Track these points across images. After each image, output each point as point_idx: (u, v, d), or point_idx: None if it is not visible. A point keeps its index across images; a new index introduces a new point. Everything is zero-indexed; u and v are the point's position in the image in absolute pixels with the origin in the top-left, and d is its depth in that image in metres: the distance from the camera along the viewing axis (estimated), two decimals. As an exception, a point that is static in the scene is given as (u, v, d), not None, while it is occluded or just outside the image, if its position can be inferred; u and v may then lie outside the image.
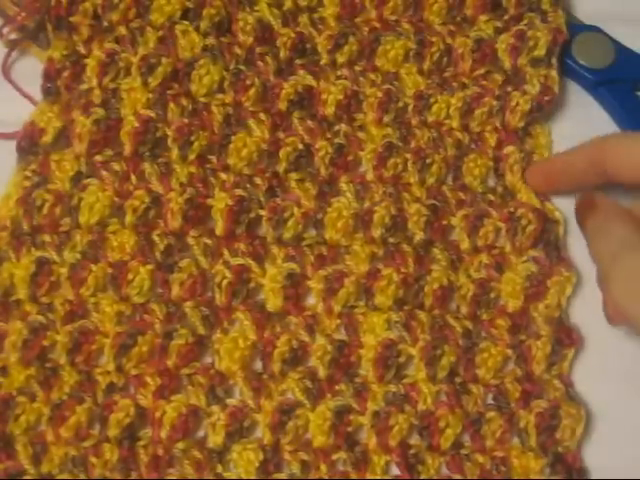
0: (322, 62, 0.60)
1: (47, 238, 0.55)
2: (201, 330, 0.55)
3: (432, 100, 0.60)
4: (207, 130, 0.57)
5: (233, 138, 0.57)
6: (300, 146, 0.58)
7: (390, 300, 0.55)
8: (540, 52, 0.60)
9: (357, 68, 0.60)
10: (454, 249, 0.57)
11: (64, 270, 0.55)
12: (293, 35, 0.59)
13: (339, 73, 0.60)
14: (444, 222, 0.58)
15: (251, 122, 0.58)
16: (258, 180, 0.57)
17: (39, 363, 0.53)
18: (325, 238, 0.57)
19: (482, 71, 0.60)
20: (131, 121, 0.56)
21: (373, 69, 0.60)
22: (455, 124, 0.60)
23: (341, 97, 0.59)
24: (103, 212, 0.55)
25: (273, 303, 0.55)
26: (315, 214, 0.57)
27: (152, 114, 0.57)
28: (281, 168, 0.57)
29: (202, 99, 0.58)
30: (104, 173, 0.56)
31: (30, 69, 0.61)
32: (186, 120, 0.57)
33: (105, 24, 0.58)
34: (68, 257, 0.55)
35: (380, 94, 0.59)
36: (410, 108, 0.59)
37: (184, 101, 0.57)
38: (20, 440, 0.53)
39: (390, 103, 0.59)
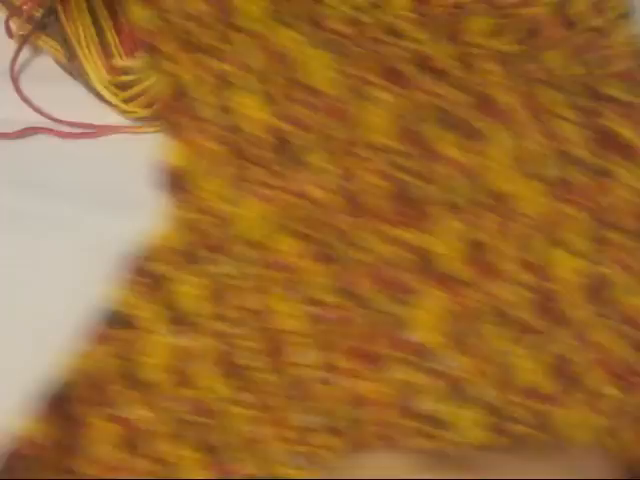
0: None
1: (214, 255, 0.54)
2: (397, 310, 0.53)
3: None
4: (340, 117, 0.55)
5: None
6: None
7: None
8: None
9: None
10: None
11: (241, 282, 0.54)
12: None
13: None
14: None
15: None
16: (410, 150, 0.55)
17: (239, 373, 0.53)
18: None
19: None
20: (261, 134, 0.55)
21: None
22: None
23: None
24: (264, 224, 0.54)
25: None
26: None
27: (281, 123, 0.55)
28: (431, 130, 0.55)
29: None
30: (255, 187, 0.55)
31: (30, 69, 0.60)
32: (317, 116, 0.55)
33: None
34: (242, 269, 0.54)
35: None
36: None
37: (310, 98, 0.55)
38: (239, 448, 0.52)
39: None
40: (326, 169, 0.55)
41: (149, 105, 0.57)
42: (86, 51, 0.57)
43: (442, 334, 0.53)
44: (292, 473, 0.51)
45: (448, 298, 0.53)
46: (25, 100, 0.60)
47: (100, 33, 0.57)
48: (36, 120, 0.60)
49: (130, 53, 0.56)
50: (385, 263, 0.54)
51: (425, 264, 0.54)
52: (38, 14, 0.57)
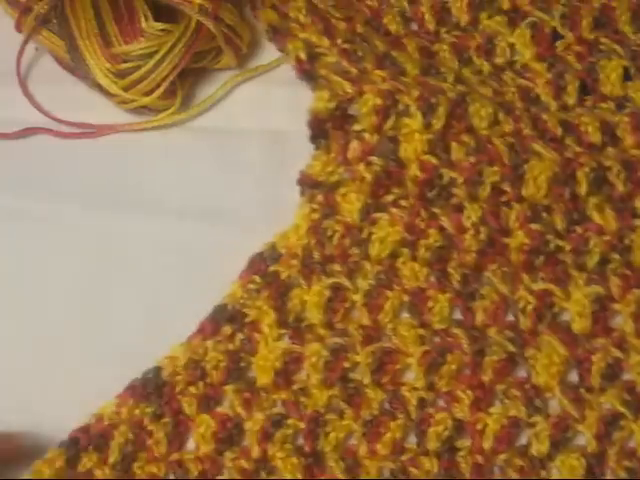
0: None
1: (337, 267, 0.55)
2: (511, 348, 0.54)
3: None
4: (496, 164, 0.55)
5: (525, 167, 0.55)
6: (594, 164, 0.55)
7: None
8: None
9: None
10: None
11: (358, 297, 0.55)
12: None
13: None
14: None
15: (537, 146, 0.55)
16: (555, 207, 0.55)
17: (341, 384, 0.53)
18: (630, 261, 0.54)
19: None
20: (414, 170, 0.55)
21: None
22: None
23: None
24: (393, 246, 0.55)
25: (580, 325, 0.54)
26: (619, 240, 0.54)
27: (435, 161, 0.55)
28: (582, 190, 0.55)
29: (483, 132, 0.56)
30: (393, 210, 0.55)
31: (30, 69, 0.61)
32: (472, 159, 0.55)
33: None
34: (362, 284, 0.55)
35: None
36: None
37: (465, 138, 0.55)
38: (331, 456, 0.53)
39: None
40: (469, 208, 0.55)
41: (148, 93, 0.58)
42: (87, 42, 0.57)
43: (557, 381, 0.53)
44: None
45: (566, 349, 0.54)
46: (27, 96, 0.60)
47: (101, 24, 0.57)
48: (36, 120, 0.60)
49: (129, 41, 0.57)
50: (507, 304, 0.55)
51: (546, 313, 0.54)
52: (43, 10, 0.58)
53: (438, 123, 0.54)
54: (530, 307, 0.54)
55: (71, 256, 0.57)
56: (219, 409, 0.53)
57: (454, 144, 0.55)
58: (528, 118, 0.56)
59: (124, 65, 0.57)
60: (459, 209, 0.55)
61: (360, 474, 0.52)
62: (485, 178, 0.54)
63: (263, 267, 0.55)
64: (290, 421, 0.53)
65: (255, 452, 0.52)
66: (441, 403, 0.53)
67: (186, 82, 0.60)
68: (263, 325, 0.54)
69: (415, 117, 0.54)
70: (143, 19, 0.57)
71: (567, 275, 0.54)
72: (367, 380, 0.53)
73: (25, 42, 0.60)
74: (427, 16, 0.59)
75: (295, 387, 0.53)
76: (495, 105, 0.56)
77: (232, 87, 0.61)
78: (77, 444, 0.52)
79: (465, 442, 0.53)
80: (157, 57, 0.57)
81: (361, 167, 0.55)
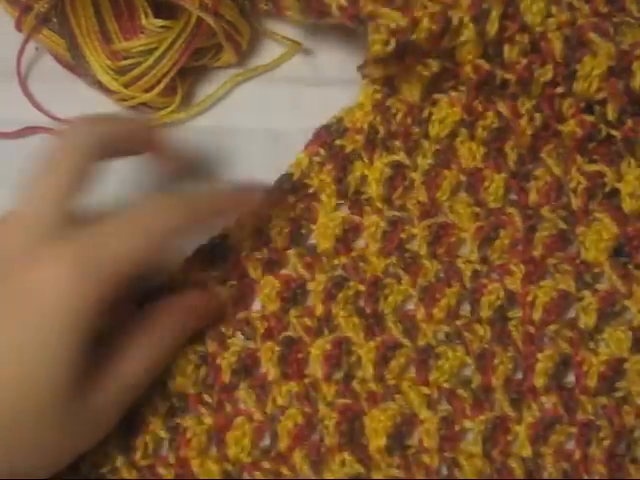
0: None
1: (399, 144, 0.57)
2: (562, 225, 0.56)
3: None
4: (549, 62, 0.55)
5: (578, 66, 0.55)
6: None
7: None
8: None
9: None
10: None
11: (417, 175, 0.57)
12: None
13: None
14: None
15: (593, 36, 0.54)
16: (608, 99, 0.55)
17: (399, 253, 0.56)
18: None
19: None
20: (469, 71, 0.55)
21: None
22: None
23: None
24: (452, 127, 0.57)
25: (631, 206, 0.56)
26: None
27: (488, 66, 0.55)
28: (636, 83, 0.54)
29: (538, 29, 0.55)
30: (452, 93, 0.57)
31: (30, 70, 0.61)
32: (524, 60, 0.55)
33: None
34: (421, 162, 0.57)
35: None
36: None
37: (519, 38, 0.55)
38: (390, 318, 0.55)
39: None
40: (523, 97, 0.56)
41: (148, 89, 0.58)
42: (87, 39, 0.58)
43: (606, 256, 0.56)
44: (433, 345, 0.54)
45: (616, 226, 0.56)
46: (27, 95, 0.61)
47: (101, 21, 0.58)
48: (36, 120, 0.60)
49: (129, 37, 0.58)
50: (560, 185, 0.57)
51: (598, 193, 0.56)
52: (44, 9, 0.59)
53: (492, 29, 0.54)
54: (581, 187, 0.56)
55: None
56: (283, 271, 0.55)
57: (507, 46, 0.55)
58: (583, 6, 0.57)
59: (124, 62, 0.57)
60: (514, 97, 0.56)
61: (418, 336, 0.54)
62: (538, 77, 0.55)
63: (329, 140, 0.56)
64: (351, 283, 0.55)
65: (319, 310, 0.54)
66: (494, 276, 0.55)
67: (186, 81, 0.60)
68: (323, 195, 0.56)
69: (468, 27, 0.54)
70: (143, 16, 0.57)
71: (620, 157, 0.56)
72: (423, 251, 0.56)
73: (26, 41, 0.60)
74: None
75: (354, 254, 0.55)
76: None
77: (232, 86, 0.61)
78: None
79: (516, 312, 0.55)
80: (157, 53, 0.57)
81: (419, 67, 0.56)
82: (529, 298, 0.55)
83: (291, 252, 0.55)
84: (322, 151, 0.56)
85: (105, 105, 0.60)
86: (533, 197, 0.56)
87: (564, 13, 0.56)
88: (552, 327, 0.54)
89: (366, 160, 0.56)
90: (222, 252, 0.55)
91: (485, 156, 0.57)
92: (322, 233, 0.56)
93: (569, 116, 0.56)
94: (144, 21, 0.57)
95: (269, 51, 0.62)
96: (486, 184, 0.56)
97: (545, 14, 0.56)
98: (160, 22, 0.57)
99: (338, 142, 0.56)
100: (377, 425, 0.52)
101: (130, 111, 0.60)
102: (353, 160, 0.56)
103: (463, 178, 0.57)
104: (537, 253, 0.55)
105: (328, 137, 0.57)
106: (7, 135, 0.60)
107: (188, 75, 0.61)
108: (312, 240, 0.56)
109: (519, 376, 0.54)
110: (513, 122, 0.56)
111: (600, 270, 0.55)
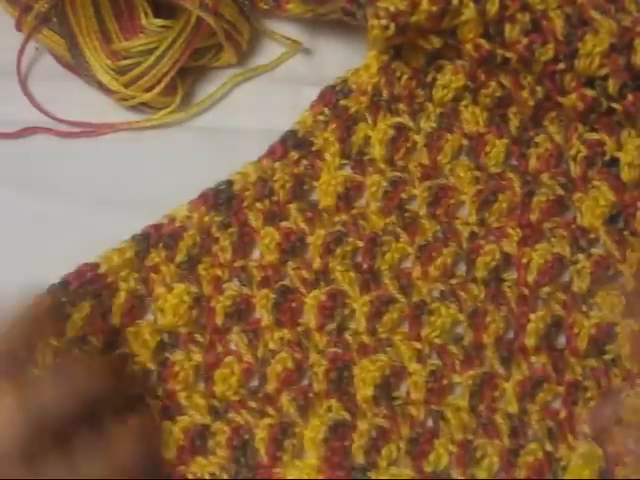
0: None
1: (403, 107, 0.58)
2: (560, 192, 0.57)
3: None
4: (550, 41, 0.55)
5: (579, 44, 0.55)
6: None
7: None
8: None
9: None
10: None
11: (420, 137, 0.58)
12: None
13: None
14: None
15: (594, 14, 0.55)
16: (609, 75, 0.55)
17: (398, 212, 0.57)
18: None
19: None
20: (470, 49, 0.55)
21: None
22: None
23: None
24: (456, 92, 0.58)
25: (630, 175, 0.57)
26: None
27: (489, 46, 0.55)
28: (637, 59, 0.54)
29: (539, 7, 0.55)
30: (457, 61, 0.57)
31: (30, 70, 0.62)
32: (525, 40, 0.55)
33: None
34: (424, 125, 0.58)
35: None
36: None
37: (520, 16, 0.55)
38: (387, 274, 0.56)
39: None
40: (524, 72, 0.57)
41: (148, 89, 0.59)
42: (87, 39, 0.58)
43: (601, 222, 0.56)
44: (427, 301, 0.55)
45: (614, 194, 0.56)
46: (27, 95, 0.61)
47: (101, 21, 0.58)
48: (35, 120, 0.60)
49: (129, 37, 0.58)
50: (560, 152, 0.57)
51: (597, 161, 0.57)
52: (44, 9, 0.59)
53: (493, 8, 0.54)
54: (581, 155, 0.57)
55: (70, 255, 0.56)
56: (283, 224, 0.56)
57: (508, 25, 0.55)
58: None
59: (124, 62, 0.58)
60: (516, 72, 0.57)
61: (412, 293, 0.55)
62: (539, 56, 0.55)
63: (333, 100, 0.58)
64: (350, 239, 0.56)
65: (316, 263, 0.55)
66: (491, 238, 0.56)
67: (186, 81, 0.61)
68: (327, 154, 0.57)
69: (469, 7, 0.54)
70: (143, 15, 0.58)
71: (620, 127, 0.57)
72: (423, 212, 0.57)
73: (26, 41, 0.61)
74: None
75: (354, 212, 0.57)
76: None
77: (232, 86, 0.62)
78: (148, 239, 0.55)
79: (511, 274, 0.56)
80: (157, 53, 0.58)
81: (421, 41, 0.56)
82: (524, 260, 0.56)
83: (292, 206, 0.56)
84: (326, 110, 0.57)
85: (105, 105, 0.61)
86: (533, 163, 0.57)
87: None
88: (545, 289, 0.55)
89: (370, 121, 0.58)
90: (227, 198, 0.56)
91: (488, 121, 0.58)
92: (324, 190, 0.57)
93: (570, 90, 0.56)
94: (144, 21, 0.58)
95: (269, 51, 0.63)
96: (487, 149, 0.57)
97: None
98: (160, 22, 0.58)
99: (343, 102, 0.58)
100: (366, 375, 0.53)
101: (130, 111, 0.61)
102: (357, 121, 0.58)
103: (465, 142, 0.58)
104: (534, 217, 0.56)
105: (333, 97, 0.58)
106: (7, 135, 0.60)
107: (188, 75, 0.61)
108: (314, 196, 0.57)
109: (510, 335, 0.55)
110: (515, 93, 0.57)
111: (595, 235, 0.56)
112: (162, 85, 0.59)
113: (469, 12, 0.54)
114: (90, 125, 0.60)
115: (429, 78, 0.58)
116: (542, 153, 0.57)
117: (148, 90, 0.59)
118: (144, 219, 0.56)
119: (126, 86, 0.59)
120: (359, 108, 0.58)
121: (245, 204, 0.56)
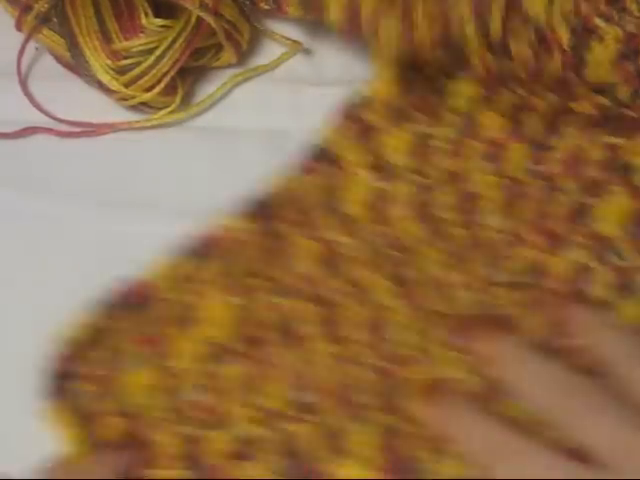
0: None
1: (421, 115, 0.57)
2: (579, 197, 0.57)
3: None
4: (555, 52, 0.56)
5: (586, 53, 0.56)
6: None
7: None
8: None
9: None
10: None
11: (441, 143, 0.57)
12: None
13: None
14: None
15: (599, 21, 0.56)
16: (619, 82, 0.57)
17: (428, 219, 0.56)
18: None
19: None
20: (477, 64, 0.57)
21: None
22: None
23: None
24: (471, 99, 0.58)
25: None
26: None
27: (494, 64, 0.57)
28: None
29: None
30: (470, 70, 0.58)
31: (30, 70, 0.62)
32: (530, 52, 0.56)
33: None
34: (444, 132, 0.57)
35: None
36: None
37: (524, 30, 0.56)
38: (422, 282, 0.55)
39: None
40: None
41: (149, 89, 0.59)
42: (87, 39, 0.58)
43: (623, 230, 0.56)
44: (472, 315, 0.54)
45: (634, 199, 0.57)
46: (27, 95, 0.61)
47: (101, 21, 0.58)
48: (35, 120, 0.60)
49: (129, 37, 0.58)
50: (581, 152, 0.57)
51: (616, 167, 0.57)
52: (44, 9, 0.59)
53: (495, 24, 0.55)
54: (599, 159, 0.57)
55: (70, 255, 0.56)
56: (320, 234, 0.55)
57: (512, 39, 0.55)
58: None
59: (124, 61, 0.57)
60: (527, 80, 0.57)
61: (455, 304, 0.54)
62: (546, 68, 0.56)
63: (352, 111, 0.57)
64: (387, 250, 0.55)
65: (355, 275, 0.54)
66: (522, 247, 0.55)
67: (186, 81, 0.61)
68: (353, 165, 0.56)
69: (469, 24, 0.55)
70: (143, 15, 0.58)
71: (636, 132, 0.57)
72: (456, 219, 0.56)
73: (26, 41, 0.60)
74: None
75: (389, 221, 0.55)
76: None
77: (232, 86, 0.61)
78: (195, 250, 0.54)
79: (546, 282, 0.54)
80: (157, 53, 0.57)
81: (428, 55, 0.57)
82: (549, 266, 0.55)
83: (325, 218, 0.55)
84: (347, 122, 0.57)
85: (104, 105, 0.60)
86: (552, 167, 0.57)
87: (568, 2, 0.56)
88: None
89: (390, 130, 0.57)
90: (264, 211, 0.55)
91: (506, 126, 0.57)
92: (353, 200, 0.56)
93: (582, 97, 0.57)
94: (144, 21, 0.57)
95: (269, 51, 0.62)
96: (507, 154, 0.57)
97: (548, 4, 0.57)
98: (160, 22, 0.57)
99: (361, 113, 0.57)
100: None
101: (130, 111, 0.60)
102: (378, 131, 0.57)
103: (485, 148, 0.57)
104: (554, 224, 0.56)
105: (353, 108, 0.57)
106: (7, 135, 0.59)
107: (188, 75, 0.60)
108: (344, 208, 0.56)
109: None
110: (529, 100, 0.57)
111: (614, 243, 0.56)
112: (162, 85, 0.58)
113: (470, 29, 0.55)
114: (90, 125, 0.59)
115: (444, 86, 0.58)
116: (560, 157, 0.57)
117: (148, 90, 0.58)
118: (144, 219, 0.56)
119: (126, 86, 0.57)
120: (379, 118, 0.57)
121: (281, 218, 0.55)
